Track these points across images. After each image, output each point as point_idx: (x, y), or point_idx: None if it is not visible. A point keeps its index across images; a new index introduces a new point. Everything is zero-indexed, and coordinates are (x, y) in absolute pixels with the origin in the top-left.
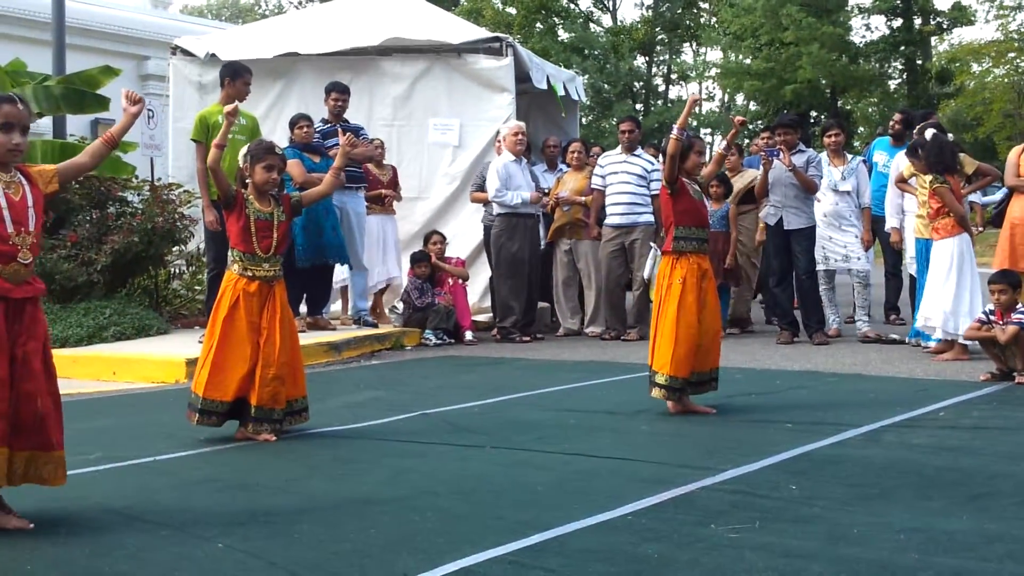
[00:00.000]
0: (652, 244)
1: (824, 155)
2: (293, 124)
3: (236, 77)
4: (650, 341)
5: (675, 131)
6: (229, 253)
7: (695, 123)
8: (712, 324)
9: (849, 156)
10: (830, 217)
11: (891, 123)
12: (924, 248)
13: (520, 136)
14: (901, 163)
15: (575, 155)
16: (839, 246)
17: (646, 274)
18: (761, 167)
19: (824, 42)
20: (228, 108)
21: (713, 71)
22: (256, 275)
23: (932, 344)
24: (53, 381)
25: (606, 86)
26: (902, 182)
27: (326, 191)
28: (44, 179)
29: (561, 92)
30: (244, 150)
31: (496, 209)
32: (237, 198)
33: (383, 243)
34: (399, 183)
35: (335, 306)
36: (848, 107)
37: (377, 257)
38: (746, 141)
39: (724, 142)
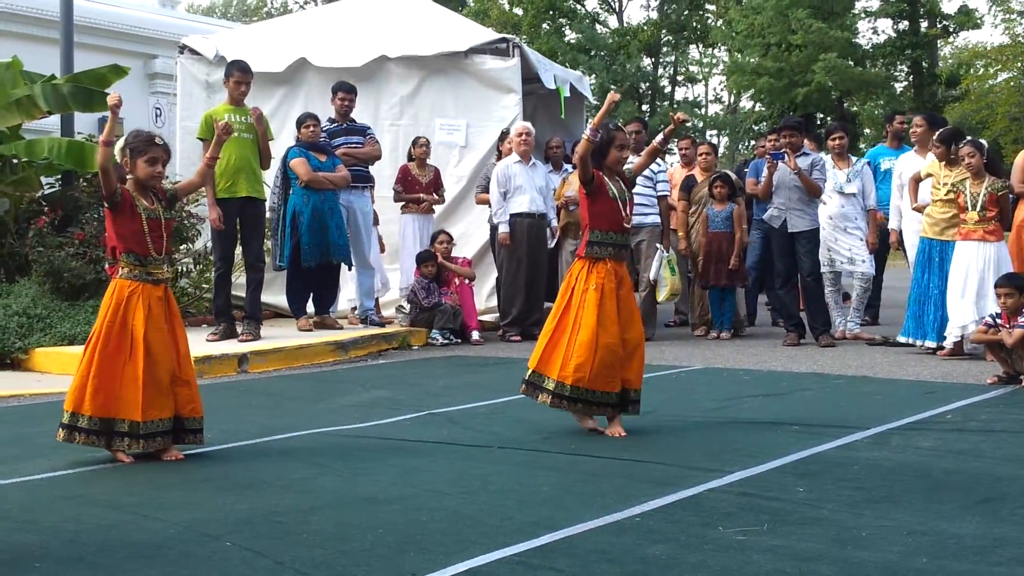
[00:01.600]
0: (658, 245)
1: (828, 158)
2: (300, 123)
3: (227, 76)
4: (541, 342)
5: (588, 131)
6: (122, 258)
7: (700, 124)
8: (633, 338)
9: (853, 158)
10: (836, 219)
11: (897, 124)
12: (927, 248)
13: (524, 137)
14: (905, 165)
15: None
16: (844, 249)
17: (652, 275)
18: (765, 169)
19: (839, 50)
20: (111, 99)
21: (721, 66)
22: (160, 279)
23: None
24: None
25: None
26: (916, 182)
27: (199, 182)
28: None
29: (567, 93)
30: (121, 143)
31: None
32: (125, 198)
33: (419, 243)
34: (442, 184)
35: (342, 305)
36: (854, 109)
37: (413, 255)
38: (751, 143)
39: (661, 136)
